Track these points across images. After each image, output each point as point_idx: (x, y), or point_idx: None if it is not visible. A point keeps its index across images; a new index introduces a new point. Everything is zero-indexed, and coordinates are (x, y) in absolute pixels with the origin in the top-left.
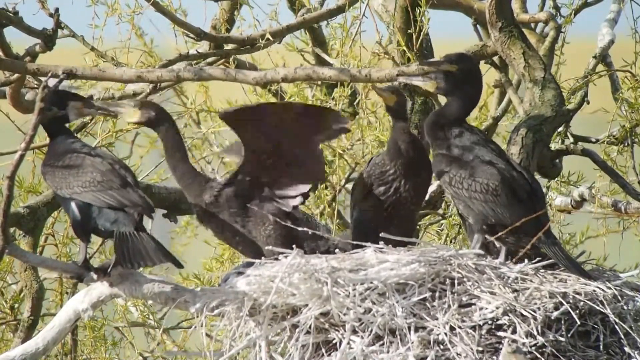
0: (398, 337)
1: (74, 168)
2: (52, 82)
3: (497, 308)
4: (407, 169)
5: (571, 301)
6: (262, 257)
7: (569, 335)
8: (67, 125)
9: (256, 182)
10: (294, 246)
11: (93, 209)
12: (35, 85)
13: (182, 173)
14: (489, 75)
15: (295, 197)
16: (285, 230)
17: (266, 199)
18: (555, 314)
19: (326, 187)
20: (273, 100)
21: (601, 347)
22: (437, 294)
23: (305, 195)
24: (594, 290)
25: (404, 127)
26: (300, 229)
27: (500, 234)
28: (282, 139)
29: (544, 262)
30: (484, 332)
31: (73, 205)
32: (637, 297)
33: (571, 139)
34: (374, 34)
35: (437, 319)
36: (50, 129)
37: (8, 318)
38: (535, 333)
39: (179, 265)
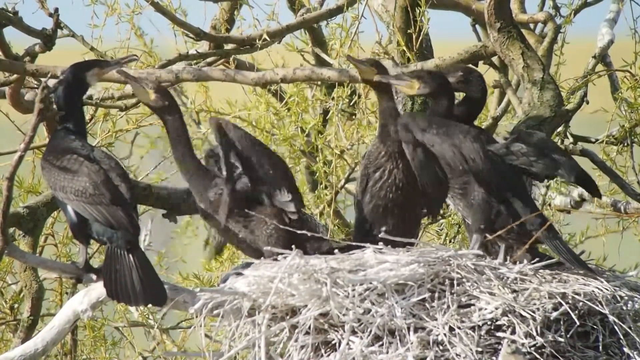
0: (397, 337)
1: (70, 173)
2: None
3: (497, 309)
4: (397, 149)
5: (570, 302)
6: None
7: (568, 335)
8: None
9: (256, 182)
10: (293, 246)
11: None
12: (35, 86)
13: (187, 166)
14: (488, 75)
15: (288, 201)
16: (287, 230)
17: (265, 199)
18: (555, 314)
19: (326, 187)
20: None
21: (600, 347)
22: (436, 295)
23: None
24: (593, 291)
25: (389, 109)
26: (299, 232)
27: (499, 232)
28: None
29: (543, 263)
30: (483, 332)
31: (70, 208)
32: (636, 297)
33: (571, 139)
34: (373, 34)
35: (436, 319)
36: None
37: (8, 318)
38: (535, 334)
39: (160, 303)
